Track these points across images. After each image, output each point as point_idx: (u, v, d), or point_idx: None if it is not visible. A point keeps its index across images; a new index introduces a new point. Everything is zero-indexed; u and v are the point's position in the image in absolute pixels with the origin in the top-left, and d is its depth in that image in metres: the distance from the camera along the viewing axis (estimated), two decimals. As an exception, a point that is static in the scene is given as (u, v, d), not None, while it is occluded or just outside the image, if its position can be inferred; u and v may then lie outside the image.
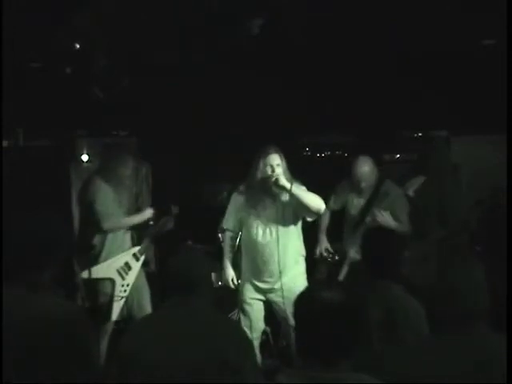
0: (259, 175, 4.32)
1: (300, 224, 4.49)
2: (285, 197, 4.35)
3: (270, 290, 4.42)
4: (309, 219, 4.46)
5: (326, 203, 4.51)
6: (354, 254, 4.76)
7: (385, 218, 4.70)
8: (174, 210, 5.27)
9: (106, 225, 4.75)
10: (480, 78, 5.44)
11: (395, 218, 4.80)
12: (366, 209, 4.87)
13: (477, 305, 2.20)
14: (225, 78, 5.89)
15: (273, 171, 4.25)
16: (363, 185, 4.88)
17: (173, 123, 6.45)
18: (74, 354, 2.37)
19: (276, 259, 4.31)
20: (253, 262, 4.44)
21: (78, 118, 6.02)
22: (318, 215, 4.41)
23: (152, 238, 5.11)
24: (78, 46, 4.91)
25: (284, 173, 4.28)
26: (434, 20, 4.78)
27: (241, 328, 3.31)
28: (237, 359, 2.54)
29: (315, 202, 4.29)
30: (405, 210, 4.87)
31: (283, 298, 4.29)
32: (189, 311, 2.66)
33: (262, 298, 4.48)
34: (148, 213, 5.01)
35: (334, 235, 5.16)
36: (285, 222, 4.36)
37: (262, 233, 4.37)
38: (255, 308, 4.48)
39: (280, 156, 4.32)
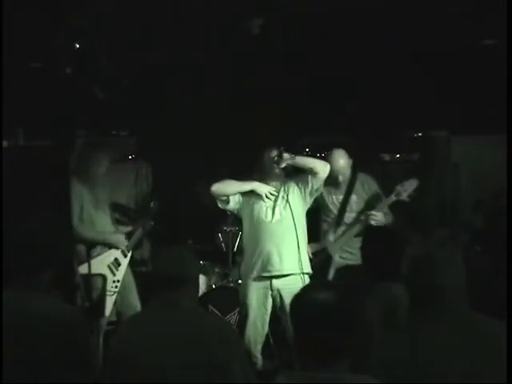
0: (265, 161, 4.47)
1: (304, 215, 4.56)
2: (290, 179, 4.50)
3: (279, 277, 4.38)
4: (315, 190, 4.51)
5: None
6: (338, 258, 4.74)
7: (378, 218, 4.68)
8: (154, 205, 5.33)
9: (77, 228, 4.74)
10: (480, 77, 5.44)
11: (378, 210, 4.81)
12: (344, 205, 4.84)
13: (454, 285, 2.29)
14: (225, 77, 5.88)
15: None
16: (341, 178, 4.86)
17: (173, 123, 6.45)
18: (73, 354, 2.37)
19: (293, 237, 4.38)
20: (262, 251, 4.39)
21: (78, 118, 6.01)
22: (323, 177, 4.46)
23: (138, 236, 5.16)
24: (77, 46, 4.90)
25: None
26: (434, 20, 4.78)
27: (230, 328, 3.20)
28: (224, 361, 2.50)
29: (319, 162, 4.45)
30: (384, 200, 4.86)
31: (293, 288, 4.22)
32: (175, 310, 2.62)
33: (268, 303, 4.43)
34: (118, 239, 4.99)
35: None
36: (292, 205, 4.43)
37: (272, 214, 4.39)
38: (262, 314, 4.45)
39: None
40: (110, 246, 4.94)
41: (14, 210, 4.55)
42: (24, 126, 6.17)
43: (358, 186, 4.89)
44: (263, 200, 4.46)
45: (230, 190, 4.45)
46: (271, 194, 4.46)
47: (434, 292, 2.32)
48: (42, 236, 2.51)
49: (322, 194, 4.84)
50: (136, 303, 4.99)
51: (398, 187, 4.69)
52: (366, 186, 4.93)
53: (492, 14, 4.53)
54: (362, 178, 4.93)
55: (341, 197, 4.90)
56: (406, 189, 4.67)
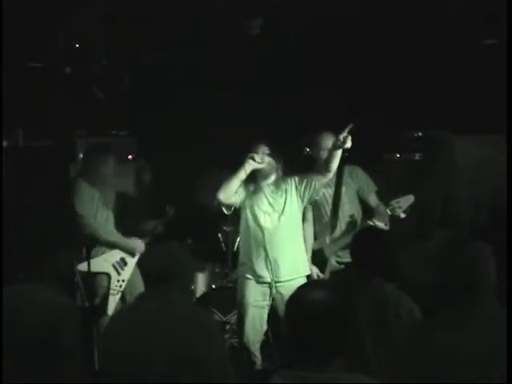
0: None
1: (301, 219, 4.54)
2: (288, 184, 4.44)
3: (277, 282, 4.36)
4: (317, 192, 4.49)
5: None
6: (334, 262, 4.71)
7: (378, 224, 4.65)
8: (170, 211, 5.33)
9: (89, 229, 4.72)
10: (480, 77, 5.44)
11: (364, 198, 4.80)
12: (337, 200, 4.78)
13: (485, 278, 2.27)
14: (224, 77, 5.89)
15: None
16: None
17: (173, 123, 6.45)
18: (72, 353, 2.37)
19: (291, 243, 4.36)
20: (259, 257, 4.37)
21: (78, 118, 6.01)
22: (326, 181, 4.45)
23: (146, 237, 5.17)
24: (77, 46, 4.91)
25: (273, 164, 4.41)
26: (434, 20, 4.78)
27: (212, 323, 3.04)
28: (200, 356, 2.52)
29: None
30: (373, 189, 4.84)
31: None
32: (159, 304, 2.65)
33: (266, 302, 4.42)
34: (137, 244, 4.99)
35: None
36: (290, 210, 4.41)
37: (270, 220, 4.37)
38: (260, 312, 4.43)
39: (270, 147, 4.44)
40: (128, 251, 4.93)
41: (14, 210, 4.56)
42: (24, 126, 6.17)
43: (345, 176, 4.81)
44: (262, 193, 4.42)
45: (234, 187, 4.38)
46: (259, 160, 4.38)
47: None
48: (42, 236, 2.51)
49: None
50: None
51: (393, 202, 4.62)
52: (354, 174, 4.84)
53: (492, 13, 4.53)
54: (349, 168, 4.85)
55: (330, 190, 4.81)
56: (402, 205, 4.59)
